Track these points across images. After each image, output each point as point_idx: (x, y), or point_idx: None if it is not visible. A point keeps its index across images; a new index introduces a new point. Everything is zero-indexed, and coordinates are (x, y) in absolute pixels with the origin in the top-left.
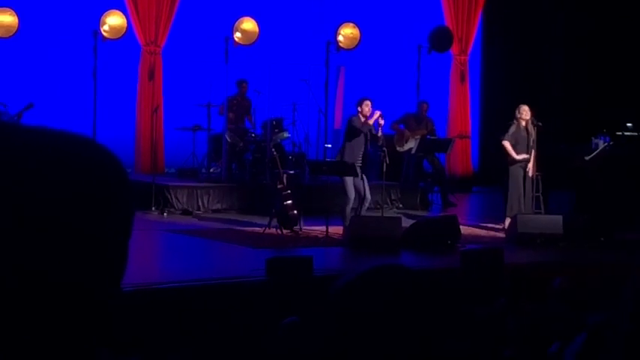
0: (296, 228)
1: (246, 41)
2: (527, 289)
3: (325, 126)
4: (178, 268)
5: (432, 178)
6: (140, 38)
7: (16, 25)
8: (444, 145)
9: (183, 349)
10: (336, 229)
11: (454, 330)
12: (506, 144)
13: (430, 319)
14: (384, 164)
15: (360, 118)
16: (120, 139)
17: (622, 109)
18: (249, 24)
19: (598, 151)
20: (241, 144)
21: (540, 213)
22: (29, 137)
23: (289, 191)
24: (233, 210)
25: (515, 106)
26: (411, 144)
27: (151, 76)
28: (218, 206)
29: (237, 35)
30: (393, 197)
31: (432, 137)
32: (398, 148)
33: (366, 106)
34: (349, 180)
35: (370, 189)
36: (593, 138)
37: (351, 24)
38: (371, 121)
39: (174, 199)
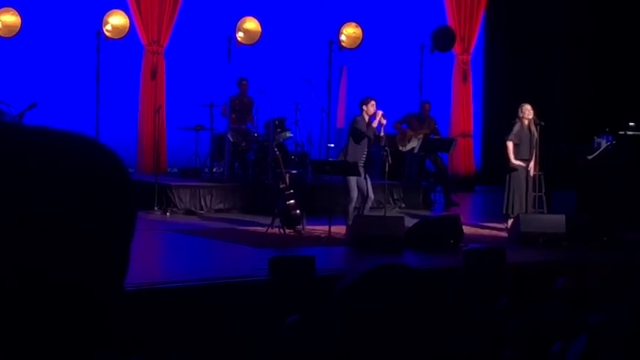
0: (299, 227)
1: (249, 41)
2: (529, 289)
3: (328, 125)
4: (181, 267)
5: (435, 177)
6: (143, 38)
7: (19, 25)
8: (447, 144)
9: (185, 348)
10: (339, 229)
11: (456, 329)
12: (510, 144)
13: (433, 319)
14: (387, 164)
15: (364, 119)
16: (122, 139)
17: (624, 108)
18: (251, 23)
19: (601, 150)
20: (244, 144)
21: (543, 212)
22: (31, 137)
23: (292, 191)
24: (236, 210)
25: (518, 106)
26: (414, 143)
27: (154, 75)
28: (221, 206)
29: (240, 35)
30: (395, 197)
31: (435, 137)
32: (400, 148)
33: (372, 106)
34: (352, 179)
35: (373, 188)
36: (595, 137)
37: (354, 23)
38: (375, 124)
39: (176, 198)
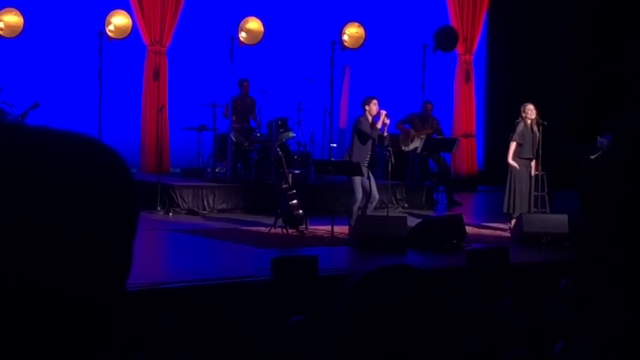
0: (301, 227)
1: (252, 41)
2: (532, 289)
3: (330, 125)
4: (183, 267)
5: (438, 177)
6: (145, 38)
7: (22, 25)
8: (449, 144)
9: (188, 349)
10: (342, 229)
11: (459, 330)
12: (513, 144)
13: (437, 320)
14: (390, 164)
15: (367, 119)
16: (125, 139)
17: (627, 108)
18: (254, 23)
19: (603, 150)
20: (246, 144)
21: (546, 212)
22: (33, 137)
23: (295, 191)
24: (238, 210)
25: (520, 105)
26: (417, 143)
27: (156, 75)
28: (223, 206)
29: (243, 35)
30: (398, 197)
31: (438, 137)
32: (403, 148)
33: (374, 105)
34: (357, 179)
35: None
36: (598, 137)
37: (356, 23)
38: (379, 125)
39: (179, 198)
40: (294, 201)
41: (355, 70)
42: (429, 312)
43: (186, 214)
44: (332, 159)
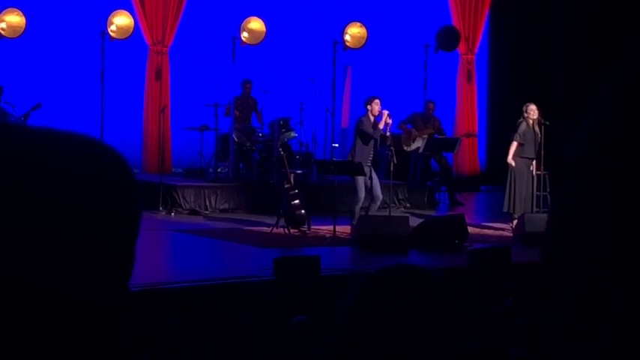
0: (303, 227)
1: (253, 41)
2: (534, 289)
3: (332, 125)
4: (186, 267)
5: (440, 177)
6: (147, 38)
7: (24, 26)
8: (452, 144)
9: (190, 348)
10: (344, 229)
11: (461, 330)
12: (513, 144)
13: (442, 320)
14: (392, 163)
15: (369, 118)
16: (127, 139)
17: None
18: (256, 24)
19: None
20: (248, 143)
21: (548, 212)
22: (35, 138)
23: (297, 191)
24: (240, 210)
25: (522, 105)
26: (419, 143)
27: (158, 75)
28: (225, 206)
29: (245, 35)
30: (400, 196)
31: (440, 136)
32: (405, 148)
33: (376, 105)
34: (361, 179)
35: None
36: None
37: (358, 23)
38: (381, 125)
39: (181, 198)
40: (296, 201)
41: (357, 70)
42: (432, 312)
43: (188, 214)
44: (334, 159)
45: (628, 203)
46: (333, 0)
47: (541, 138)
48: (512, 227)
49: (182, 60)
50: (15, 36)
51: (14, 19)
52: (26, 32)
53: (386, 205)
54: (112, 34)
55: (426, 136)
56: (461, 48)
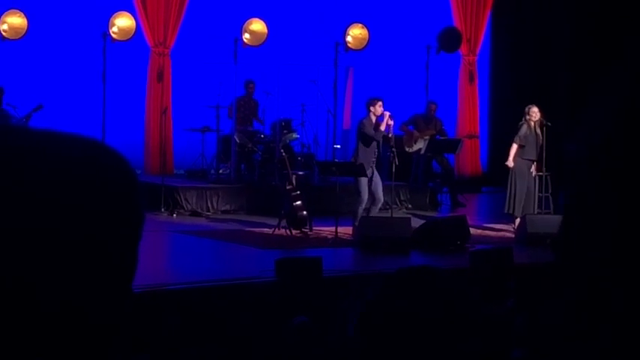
0: (305, 229)
1: (255, 42)
2: (536, 290)
3: (334, 127)
4: (188, 268)
5: (441, 178)
6: (149, 40)
7: (25, 27)
8: (453, 145)
9: (191, 349)
10: (346, 230)
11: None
12: (513, 146)
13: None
14: (394, 165)
15: (370, 120)
16: (129, 141)
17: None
18: (257, 25)
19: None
20: (250, 145)
21: (550, 213)
22: (37, 140)
23: (298, 192)
24: (242, 211)
25: (524, 106)
26: (420, 144)
27: (160, 77)
28: (227, 207)
29: (246, 36)
30: (402, 198)
31: (441, 138)
32: (407, 149)
33: (379, 107)
34: (364, 181)
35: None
36: None
37: (360, 25)
38: (382, 127)
39: (183, 200)
40: (298, 202)
41: (359, 71)
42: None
43: (190, 215)
44: (335, 160)
45: (628, 203)
46: (335, 1)
47: (543, 140)
48: (514, 228)
49: (184, 61)
50: (17, 37)
51: (16, 20)
52: (28, 34)
53: (388, 207)
54: (113, 35)
55: (427, 137)
56: (462, 49)
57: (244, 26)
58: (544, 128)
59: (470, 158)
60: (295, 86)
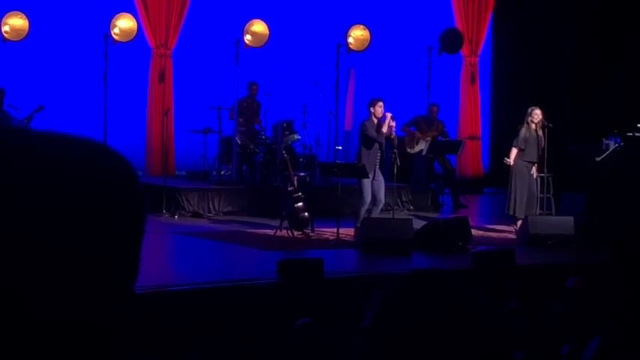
0: (307, 230)
1: (257, 43)
2: (538, 291)
3: (336, 128)
4: (189, 270)
5: (443, 179)
6: (150, 41)
7: (27, 29)
8: (455, 146)
9: (194, 351)
10: (348, 231)
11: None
12: (514, 150)
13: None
14: (395, 166)
15: (372, 122)
16: (131, 142)
17: (633, 109)
18: (259, 26)
19: (609, 152)
20: (252, 146)
21: (551, 214)
22: (38, 142)
23: (300, 193)
24: (244, 212)
25: (526, 107)
26: (422, 146)
27: (162, 78)
28: (229, 208)
29: (248, 37)
30: (404, 199)
31: (443, 139)
32: (409, 150)
33: (380, 107)
34: (366, 182)
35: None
36: (604, 139)
37: (361, 26)
38: (384, 128)
39: (185, 201)
40: (300, 203)
41: (360, 72)
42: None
43: (191, 216)
44: (337, 161)
45: None
46: (337, 2)
47: (545, 141)
48: (515, 229)
49: (185, 63)
50: (18, 39)
51: (18, 22)
52: (30, 35)
53: (389, 208)
54: (115, 36)
55: (429, 138)
56: (464, 50)
57: (246, 27)
58: (545, 130)
59: (471, 159)
60: (297, 87)
